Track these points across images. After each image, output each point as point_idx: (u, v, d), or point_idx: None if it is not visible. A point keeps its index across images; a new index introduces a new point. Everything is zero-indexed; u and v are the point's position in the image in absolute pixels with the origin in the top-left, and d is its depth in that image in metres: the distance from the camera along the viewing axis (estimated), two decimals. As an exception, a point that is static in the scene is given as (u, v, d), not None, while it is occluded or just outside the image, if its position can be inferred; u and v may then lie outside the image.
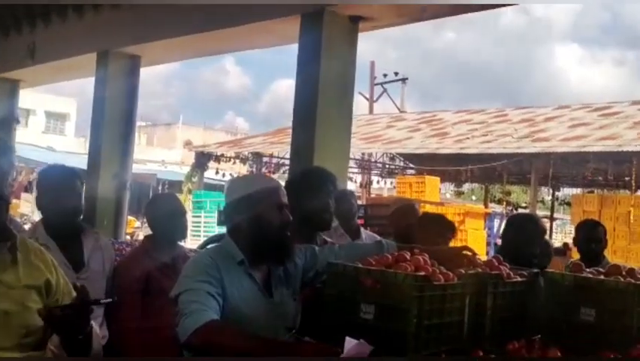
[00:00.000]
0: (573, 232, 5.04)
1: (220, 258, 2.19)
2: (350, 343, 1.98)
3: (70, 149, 28.81)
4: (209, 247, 2.36)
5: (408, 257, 2.25)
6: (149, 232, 3.42)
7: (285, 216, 2.24)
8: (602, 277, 2.43)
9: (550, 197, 20.07)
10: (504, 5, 5.35)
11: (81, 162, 7.98)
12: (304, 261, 2.36)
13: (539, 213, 17.37)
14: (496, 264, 2.49)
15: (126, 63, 7.69)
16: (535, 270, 2.65)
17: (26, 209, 21.33)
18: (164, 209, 3.23)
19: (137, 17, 7.23)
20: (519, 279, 2.51)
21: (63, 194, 2.86)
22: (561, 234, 25.39)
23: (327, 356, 1.92)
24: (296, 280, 2.34)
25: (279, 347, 2.04)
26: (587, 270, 2.57)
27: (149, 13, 7.06)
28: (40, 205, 2.96)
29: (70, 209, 2.89)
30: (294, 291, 2.33)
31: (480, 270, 2.41)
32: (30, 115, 34.55)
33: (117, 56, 7.61)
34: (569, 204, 19.26)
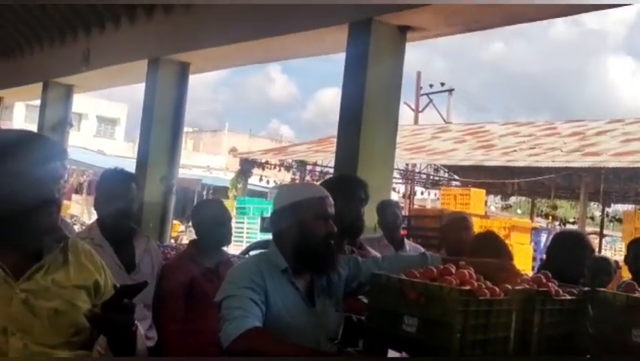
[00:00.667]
0: (624, 249, 4.91)
1: (265, 265, 2.19)
2: (392, 355, 1.95)
3: (120, 153, 29.49)
4: (252, 253, 2.36)
5: (453, 271, 2.21)
6: (193, 236, 3.46)
7: (330, 227, 2.23)
8: (656, 297, 2.33)
9: (599, 213, 19.51)
10: (557, 16, 5.26)
11: (130, 166, 8.17)
12: (348, 271, 2.35)
13: (588, 229, 16.92)
14: (544, 280, 2.43)
15: (176, 70, 7.85)
16: (586, 288, 2.57)
17: (76, 210, 21.91)
18: (210, 215, 3.27)
19: (187, 25, 7.38)
20: (568, 297, 2.43)
21: (118, 197, 2.94)
22: (610, 251, 24.65)
23: None
24: (339, 291, 2.33)
25: (321, 356, 2.03)
26: (640, 290, 2.48)
27: (200, 21, 7.20)
28: (97, 207, 3.05)
29: (124, 212, 2.96)
30: (337, 301, 2.32)
31: (527, 286, 2.35)
32: (82, 119, 35.57)
33: (167, 62, 7.78)
34: (619, 220, 18.68)
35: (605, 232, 20.21)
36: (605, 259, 4.96)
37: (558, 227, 18.27)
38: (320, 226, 2.20)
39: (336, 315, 2.30)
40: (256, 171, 19.00)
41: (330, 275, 2.29)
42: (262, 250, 2.38)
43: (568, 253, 3.24)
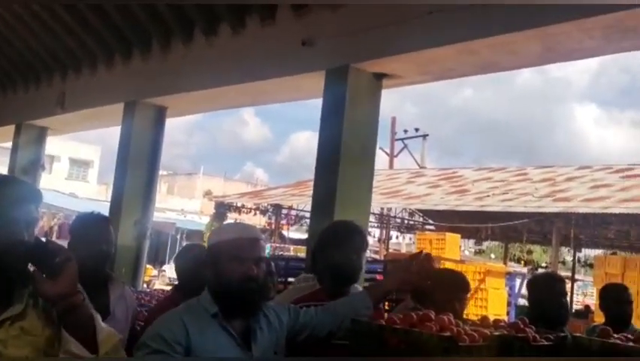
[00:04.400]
0: (595, 293, 4.96)
1: (191, 313, 2.15)
2: None
3: (93, 196, 29.17)
4: (186, 303, 2.30)
5: (433, 316, 2.22)
6: (166, 280, 3.41)
7: (249, 269, 2.14)
8: (630, 343, 2.36)
9: (571, 258, 19.75)
10: (529, 66, 5.42)
11: (103, 209, 8.06)
12: (288, 317, 2.34)
13: (560, 274, 17.07)
14: (522, 326, 2.44)
15: (152, 113, 7.84)
16: (563, 334, 2.59)
17: (45, 254, 21.44)
18: (193, 259, 3.21)
19: (164, 70, 7.43)
20: (545, 343, 2.45)
21: (97, 241, 2.88)
22: (582, 296, 24.86)
23: None
24: (280, 335, 2.30)
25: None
26: (615, 336, 2.50)
27: (177, 66, 7.26)
28: (72, 251, 2.95)
29: (102, 257, 2.91)
30: (277, 345, 2.28)
31: (505, 331, 2.36)
32: (54, 161, 35.20)
33: (144, 106, 7.78)
34: (590, 265, 18.92)
35: (576, 276, 20.41)
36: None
37: (532, 272, 18.45)
38: (234, 269, 2.14)
39: (276, 358, 2.27)
40: (231, 214, 18.90)
41: (270, 319, 2.27)
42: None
43: (548, 296, 3.34)
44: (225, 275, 2.14)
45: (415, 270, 2.54)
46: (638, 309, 11.50)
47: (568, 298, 3.53)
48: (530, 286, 3.65)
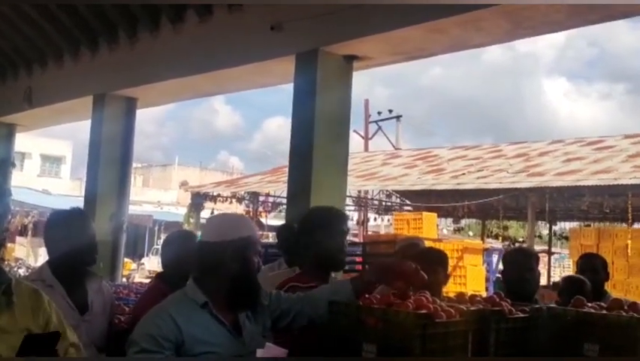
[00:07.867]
0: (572, 265, 5.05)
1: (178, 305, 2.17)
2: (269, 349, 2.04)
3: (66, 191, 28.78)
4: (171, 296, 2.29)
5: (410, 296, 2.24)
6: (145, 273, 3.36)
7: (259, 261, 2.25)
8: (604, 311, 2.40)
9: (547, 231, 20.05)
10: (496, 43, 5.45)
11: (77, 205, 7.96)
12: (269, 301, 2.37)
13: (537, 247, 17.33)
14: (498, 300, 2.48)
15: (122, 105, 7.75)
16: (537, 305, 2.63)
17: (21, 253, 21.15)
18: (183, 248, 3.17)
19: (132, 61, 7.32)
20: (521, 315, 2.48)
21: (78, 237, 2.83)
22: (559, 268, 25.28)
23: None
24: (265, 319, 2.34)
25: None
26: (589, 305, 2.55)
27: (145, 56, 7.15)
28: (53, 248, 2.89)
29: (84, 252, 2.86)
30: (264, 329, 2.33)
31: (481, 306, 2.39)
32: (25, 158, 34.61)
33: (113, 98, 7.68)
34: (566, 238, 19.23)
35: (553, 249, 20.74)
36: (583, 280, 5.09)
37: (507, 247, 18.70)
38: (255, 262, 2.23)
39: (263, 342, 2.29)
40: (208, 204, 18.78)
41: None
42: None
43: (518, 270, 3.38)
44: (251, 268, 2.20)
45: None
46: (613, 279, 11.80)
47: (535, 273, 3.53)
48: (503, 261, 3.73)
